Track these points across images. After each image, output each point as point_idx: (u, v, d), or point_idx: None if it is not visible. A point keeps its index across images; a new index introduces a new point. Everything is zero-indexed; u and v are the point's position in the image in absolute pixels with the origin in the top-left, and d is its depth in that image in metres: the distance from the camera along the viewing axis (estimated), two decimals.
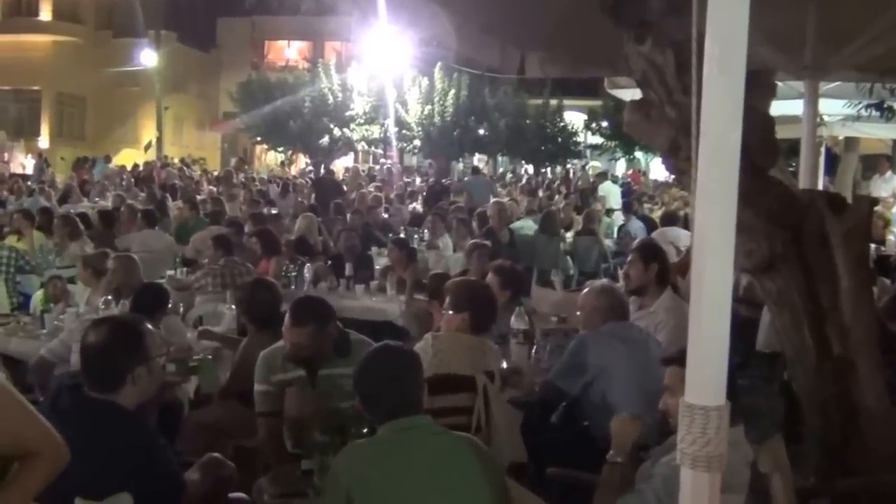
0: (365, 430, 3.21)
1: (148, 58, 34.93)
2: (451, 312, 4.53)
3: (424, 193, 19.40)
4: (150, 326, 3.33)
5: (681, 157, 3.93)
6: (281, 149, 35.17)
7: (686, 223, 11.60)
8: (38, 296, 7.75)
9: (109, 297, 6.25)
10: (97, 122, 40.36)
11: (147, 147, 33.89)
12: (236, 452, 4.74)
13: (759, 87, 3.94)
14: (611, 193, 19.71)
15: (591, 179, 24.83)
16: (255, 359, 5.19)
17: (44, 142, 37.31)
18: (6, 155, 30.61)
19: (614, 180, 24.66)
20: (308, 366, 4.17)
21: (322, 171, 27.25)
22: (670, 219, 11.96)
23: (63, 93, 39.12)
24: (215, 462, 3.39)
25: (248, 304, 5.61)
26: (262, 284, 5.76)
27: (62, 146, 35.99)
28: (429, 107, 31.68)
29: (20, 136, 33.51)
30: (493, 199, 12.13)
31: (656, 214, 15.62)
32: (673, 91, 3.89)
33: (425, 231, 12.15)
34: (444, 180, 23.22)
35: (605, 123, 33.63)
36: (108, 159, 29.31)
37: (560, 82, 30.84)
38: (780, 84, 4.64)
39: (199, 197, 16.56)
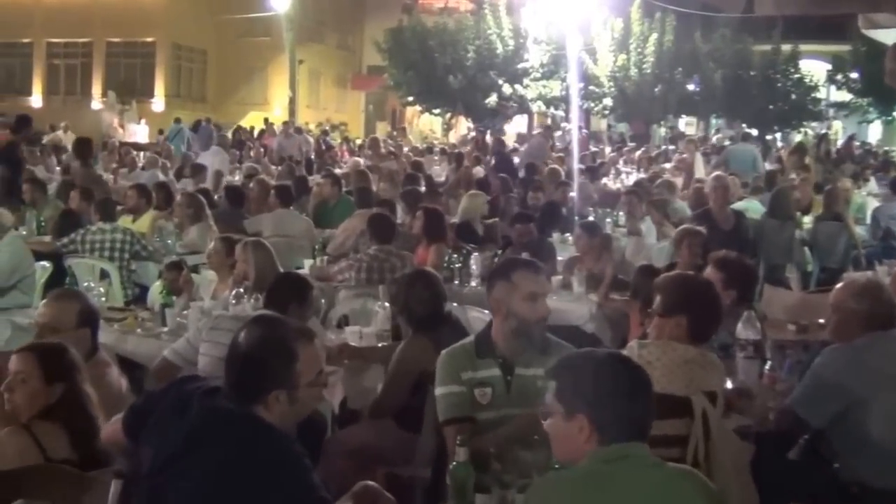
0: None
1: (279, 1, 36.02)
2: (662, 316, 4.49)
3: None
4: (312, 346, 3.39)
5: None
6: (438, 111, 35.68)
7: None
8: (156, 287, 8.14)
9: (241, 290, 6.52)
10: (219, 79, 42.22)
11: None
12: (389, 482, 4.87)
13: None
14: None
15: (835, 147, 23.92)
16: (413, 367, 5.33)
17: (158, 104, 39.34)
18: (116, 120, 32.33)
19: (867, 148, 23.65)
20: (504, 362, 4.24)
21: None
22: None
23: (181, 45, 41.14)
24: (372, 492, 3.47)
25: (405, 302, 5.74)
26: (423, 277, 5.87)
27: (179, 109, 37.74)
28: (623, 56, 31.42)
29: (132, 97, 35.32)
30: (714, 174, 11.85)
31: None
32: None
33: (620, 213, 12.06)
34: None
35: (854, 74, 32.39)
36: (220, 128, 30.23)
37: (795, 22, 29.93)
38: None
39: (339, 170, 17.04)
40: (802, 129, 34.16)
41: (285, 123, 24.73)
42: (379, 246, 8.35)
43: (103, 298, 7.58)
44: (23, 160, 13.80)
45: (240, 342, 3.32)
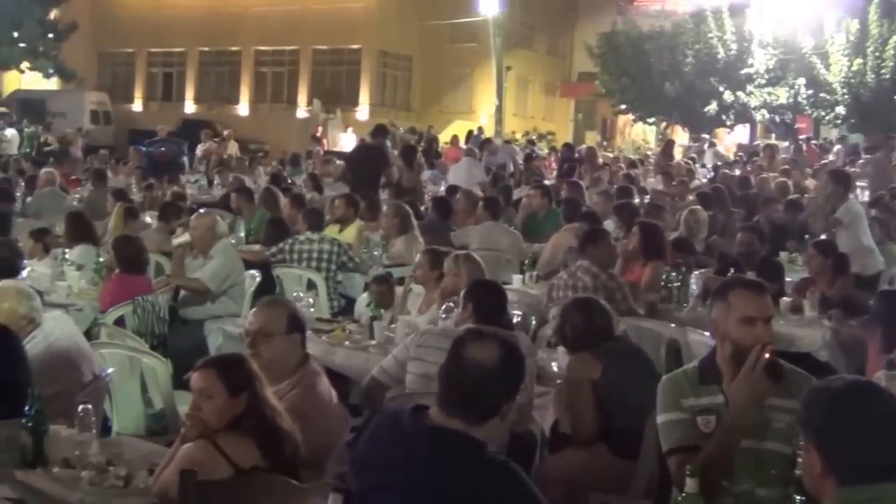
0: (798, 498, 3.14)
1: (487, 5, 36.39)
2: None
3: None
4: None
5: None
6: (652, 120, 35.33)
7: None
8: (362, 299, 8.35)
9: (451, 304, 6.60)
10: (424, 87, 42.99)
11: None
12: None
13: None
14: None
15: None
16: (581, 377, 5.54)
17: (363, 112, 40.30)
18: (320, 129, 33.33)
19: None
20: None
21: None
22: None
23: (386, 52, 42.13)
24: None
25: (560, 325, 6.02)
26: (580, 306, 6.00)
27: (383, 117, 38.53)
28: (859, 60, 30.40)
29: (337, 105, 36.32)
30: None
31: None
32: None
33: None
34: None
35: None
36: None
37: None
38: None
39: (548, 181, 17.07)
40: None
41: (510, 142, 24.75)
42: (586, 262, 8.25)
43: (311, 309, 7.77)
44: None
45: (470, 357, 3.37)
